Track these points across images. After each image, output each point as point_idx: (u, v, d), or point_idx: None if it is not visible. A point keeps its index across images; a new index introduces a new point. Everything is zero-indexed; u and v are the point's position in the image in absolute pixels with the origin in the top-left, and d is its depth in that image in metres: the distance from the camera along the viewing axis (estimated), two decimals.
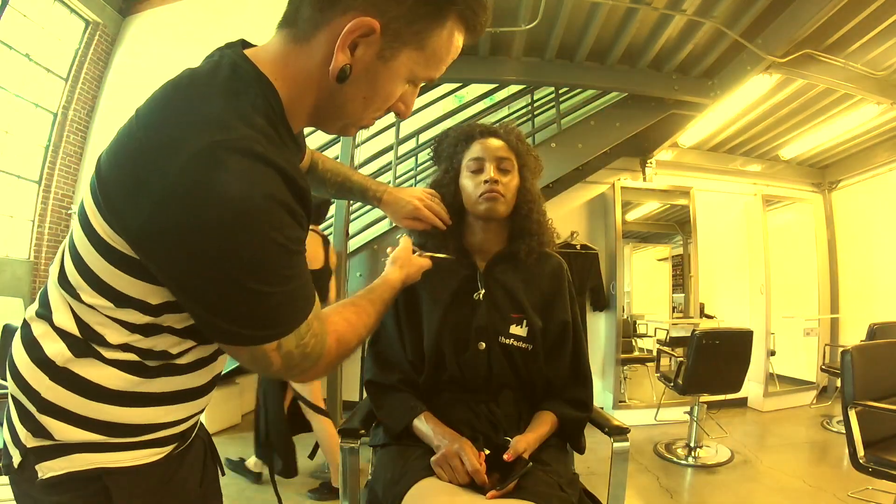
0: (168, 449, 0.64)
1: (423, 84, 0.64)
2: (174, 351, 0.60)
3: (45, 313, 0.59)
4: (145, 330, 0.56)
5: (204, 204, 0.46)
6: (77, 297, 0.56)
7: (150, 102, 0.53)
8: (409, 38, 0.56)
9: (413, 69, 0.59)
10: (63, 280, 0.57)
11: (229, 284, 0.50)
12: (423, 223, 1.07)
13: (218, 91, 0.52)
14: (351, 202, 3.00)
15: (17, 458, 0.58)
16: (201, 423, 0.76)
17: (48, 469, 0.56)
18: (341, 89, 0.57)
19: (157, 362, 0.59)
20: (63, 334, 0.57)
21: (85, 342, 0.56)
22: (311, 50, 0.56)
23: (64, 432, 0.56)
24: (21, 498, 0.59)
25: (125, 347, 0.56)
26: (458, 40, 0.61)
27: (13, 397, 0.59)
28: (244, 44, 0.60)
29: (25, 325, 0.60)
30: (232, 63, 0.55)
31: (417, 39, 0.57)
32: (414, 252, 1.04)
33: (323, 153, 1.04)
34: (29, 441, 0.57)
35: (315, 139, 3.58)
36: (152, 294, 0.54)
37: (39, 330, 0.58)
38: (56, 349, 0.56)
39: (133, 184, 0.50)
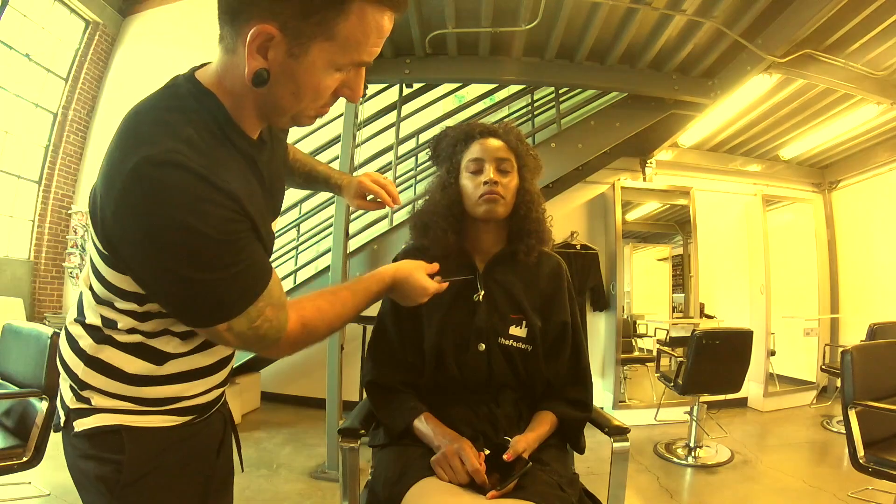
0: (186, 418, 0.75)
1: (363, 66, 0.64)
2: (177, 329, 0.71)
3: (79, 318, 0.72)
4: (145, 316, 0.68)
5: (137, 211, 0.57)
6: (96, 297, 0.69)
7: (119, 126, 0.62)
8: (312, 32, 0.58)
9: (332, 58, 0.60)
10: (87, 284, 0.71)
11: (169, 274, 0.59)
12: (374, 204, 1.09)
13: (155, 111, 0.62)
14: None
15: (62, 418, 0.73)
16: (226, 402, 0.87)
17: (81, 424, 0.70)
18: (270, 90, 0.61)
19: (164, 342, 0.71)
20: (90, 329, 0.70)
21: (102, 331, 0.69)
22: (237, 60, 0.61)
23: (99, 401, 0.70)
24: (66, 447, 0.73)
25: (132, 331, 0.69)
26: (376, 17, 0.60)
27: (62, 378, 0.74)
28: (201, 66, 0.67)
29: (66, 329, 0.74)
30: (174, 84, 0.65)
31: (323, 30, 0.58)
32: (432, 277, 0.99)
33: (297, 146, 1.08)
34: (72, 403, 0.71)
35: (315, 139, 3.58)
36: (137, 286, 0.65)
37: (76, 330, 0.72)
38: (86, 342, 0.70)
39: (103, 197, 0.60)
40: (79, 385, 0.70)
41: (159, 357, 0.70)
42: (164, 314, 0.68)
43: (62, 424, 0.73)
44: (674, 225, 4.58)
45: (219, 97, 0.64)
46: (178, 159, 0.56)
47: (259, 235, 0.65)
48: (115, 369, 0.69)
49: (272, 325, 0.66)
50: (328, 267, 2.92)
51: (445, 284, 1.00)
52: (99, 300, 0.69)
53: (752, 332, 3.11)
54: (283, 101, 0.63)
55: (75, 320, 0.73)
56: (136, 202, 0.56)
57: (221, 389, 0.83)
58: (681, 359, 3.20)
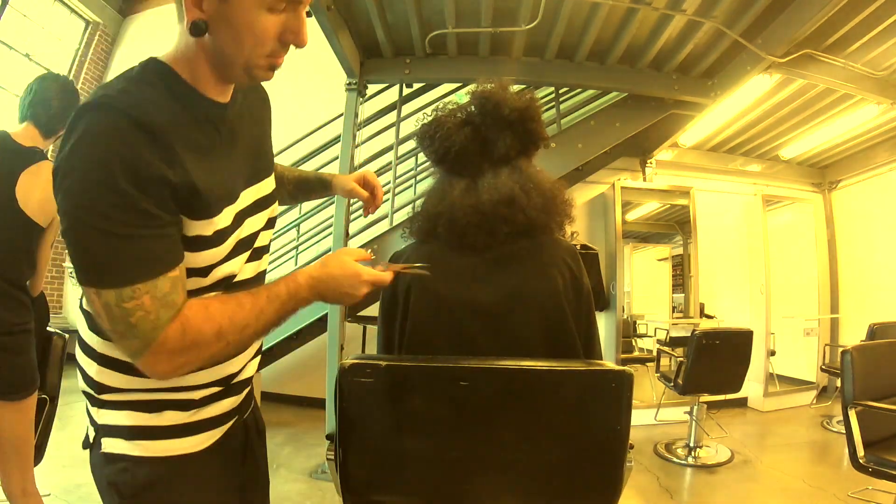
0: (205, 437, 0.77)
1: (297, 5, 0.65)
2: None
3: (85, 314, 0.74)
4: None
5: (64, 153, 0.59)
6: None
7: None
8: None
9: None
10: None
11: (69, 213, 0.58)
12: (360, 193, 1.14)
13: (105, 87, 0.64)
14: (351, 202, 3.00)
15: (91, 435, 0.75)
16: (255, 409, 0.92)
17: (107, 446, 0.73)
18: (214, 42, 0.65)
19: None
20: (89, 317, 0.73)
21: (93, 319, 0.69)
22: (184, 26, 0.65)
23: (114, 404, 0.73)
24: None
25: None
26: None
27: (84, 392, 0.76)
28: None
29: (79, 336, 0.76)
30: (140, 67, 0.67)
31: None
32: (378, 266, 0.82)
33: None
34: (96, 416, 0.75)
35: (315, 139, 3.58)
36: None
37: (84, 332, 0.75)
38: (94, 340, 0.72)
39: None
40: (96, 389, 0.73)
41: None
42: None
43: (90, 441, 0.74)
44: (674, 225, 4.58)
45: (175, 68, 0.67)
46: (106, 101, 0.60)
47: (198, 202, 0.65)
48: (124, 362, 0.70)
49: (147, 317, 0.60)
50: None
51: (390, 274, 0.82)
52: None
53: (752, 332, 3.11)
54: (227, 49, 0.65)
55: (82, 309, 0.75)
56: (65, 146, 0.59)
57: (236, 396, 0.84)
58: (681, 359, 3.20)
